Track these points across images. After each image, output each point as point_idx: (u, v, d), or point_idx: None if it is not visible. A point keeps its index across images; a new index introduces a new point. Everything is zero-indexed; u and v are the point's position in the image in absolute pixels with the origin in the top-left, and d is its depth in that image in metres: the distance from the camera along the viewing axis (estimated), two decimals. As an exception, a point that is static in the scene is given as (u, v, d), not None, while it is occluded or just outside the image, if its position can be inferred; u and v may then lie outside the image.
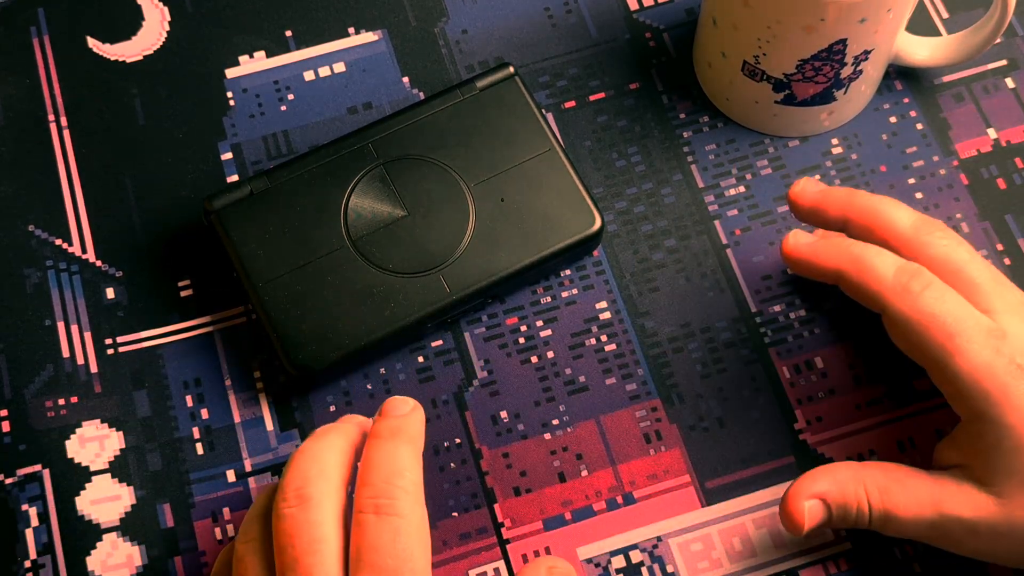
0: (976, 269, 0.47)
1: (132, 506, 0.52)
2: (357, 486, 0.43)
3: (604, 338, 0.55)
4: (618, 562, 0.51)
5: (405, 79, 0.61)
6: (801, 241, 0.50)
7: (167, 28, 0.62)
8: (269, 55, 0.61)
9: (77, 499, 0.52)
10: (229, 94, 0.60)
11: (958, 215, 0.57)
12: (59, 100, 0.60)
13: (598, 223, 0.55)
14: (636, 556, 0.51)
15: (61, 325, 0.55)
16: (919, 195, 0.58)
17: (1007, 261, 0.56)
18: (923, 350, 0.46)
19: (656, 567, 0.51)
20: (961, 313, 0.45)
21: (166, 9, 0.62)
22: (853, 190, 0.50)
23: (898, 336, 0.47)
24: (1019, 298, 0.47)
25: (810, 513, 0.47)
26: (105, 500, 0.52)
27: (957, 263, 0.47)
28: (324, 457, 0.44)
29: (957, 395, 0.46)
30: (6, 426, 0.53)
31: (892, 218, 0.49)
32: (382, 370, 0.55)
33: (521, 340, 0.55)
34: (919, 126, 0.59)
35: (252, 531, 0.44)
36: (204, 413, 0.54)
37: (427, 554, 0.42)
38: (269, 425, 0.54)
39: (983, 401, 0.45)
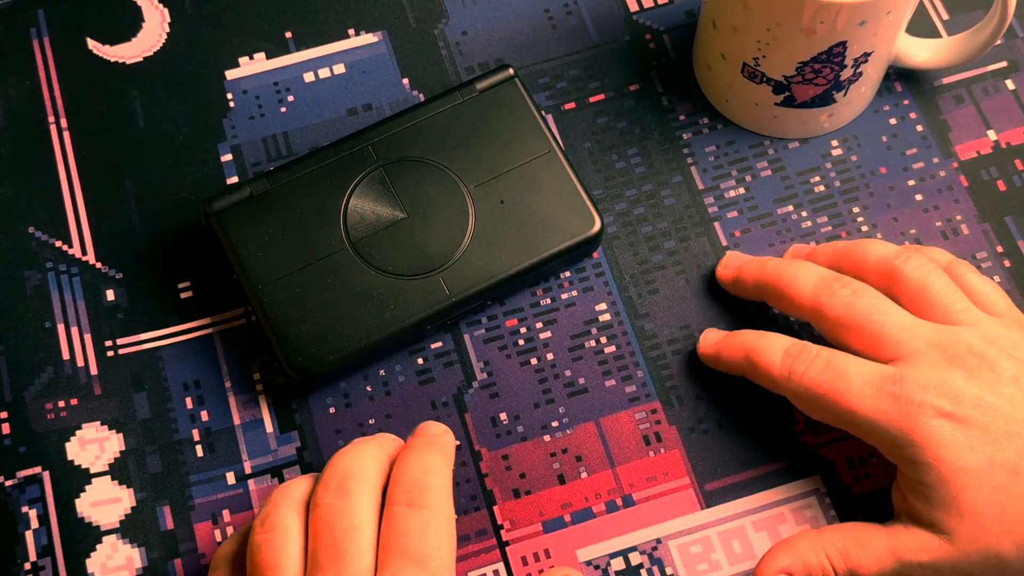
0: (876, 323, 0.48)
1: (132, 508, 0.52)
2: (390, 485, 0.46)
3: (604, 340, 0.55)
4: (617, 564, 0.51)
5: (405, 81, 0.61)
6: (710, 340, 0.53)
7: (167, 29, 0.62)
8: (269, 57, 0.61)
9: (77, 501, 0.52)
10: (229, 96, 0.60)
11: (958, 217, 0.57)
12: (59, 102, 0.60)
13: (598, 225, 0.55)
14: (635, 558, 0.51)
15: (61, 327, 0.55)
16: (919, 197, 0.58)
17: (1007, 263, 0.56)
18: (832, 417, 0.48)
19: (655, 569, 0.51)
20: (847, 372, 0.47)
21: (166, 11, 0.62)
22: (764, 259, 0.53)
23: (807, 411, 0.49)
24: (928, 334, 0.48)
25: None
26: (105, 502, 0.52)
27: (856, 321, 0.49)
28: (364, 459, 0.46)
29: (879, 445, 0.47)
30: (6, 428, 0.53)
31: (795, 283, 0.51)
32: (382, 372, 0.55)
33: (521, 342, 0.55)
34: (919, 128, 0.59)
35: (273, 520, 0.45)
36: (204, 415, 0.54)
37: (453, 548, 0.45)
38: (269, 427, 0.54)
39: (897, 445, 0.46)
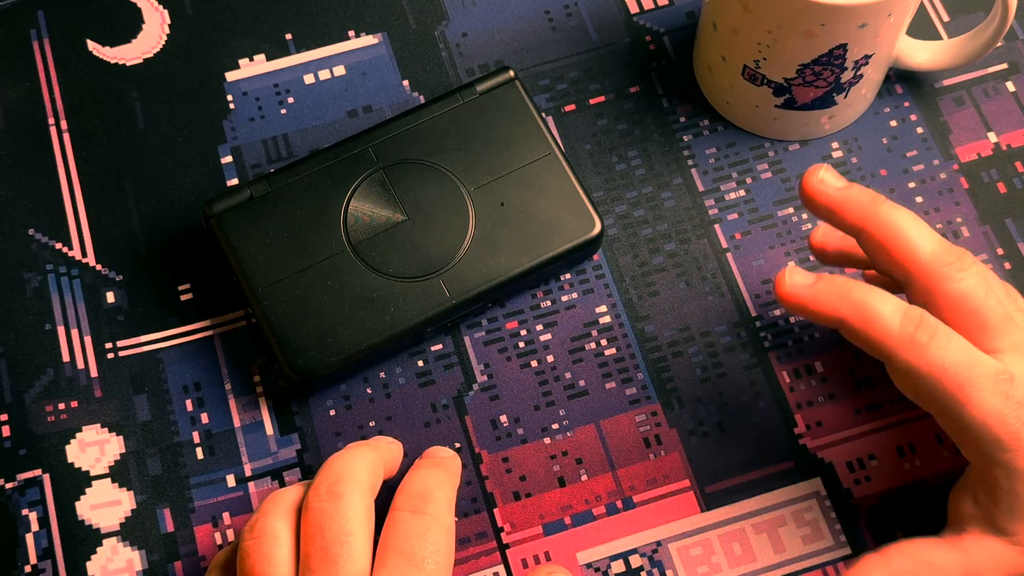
0: (989, 308, 0.45)
1: (132, 511, 0.52)
2: (396, 494, 0.46)
3: (604, 342, 0.55)
4: (618, 567, 0.51)
5: (405, 82, 0.60)
6: (799, 283, 0.45)
7: (167, 31, 0.62)
8: (269, 58, 0.61)
9: (77, 504, 0.52)
10: (229, 97, 0.60)
11: (958, 219, 0.57)
12: (59, 103, 0.60)
13: (598, 227, 0.54)
14: (636, 561, 0.51)
15: (61, 329, 0.55)
16: (919, 199, 0.58)
17: (1007, 265, 0.56)
18: (933, 400, 0.44)
19: (656, 572, 0.51)
20: (969, 361, 0.43)
21: (166, 12, 0.62)
22: (876, 197, 0.46)
23: (905, 386, 0.45)
24: None
25: None
26: (105, 505, 0.52)
27: (972, 303, 0.45)
28: (356, 463, 0.46)
29: (969, 443, 0.44)
30: (6, 430, 0.53)
31: (913, 244, 0.45)
32: (382, 374, 0.55)
33: (521, 344, 0.55)
34: (919, 130, 0.59)
35: (261, 527, 0.45)
36: (204, 417, 0.54)
37: (451, 559, 0.45)
38: (269, 429, 0.54)
39: (995, 448, 0.43)
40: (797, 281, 0.45)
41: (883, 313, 0.43)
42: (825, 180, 0.47)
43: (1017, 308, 0.46)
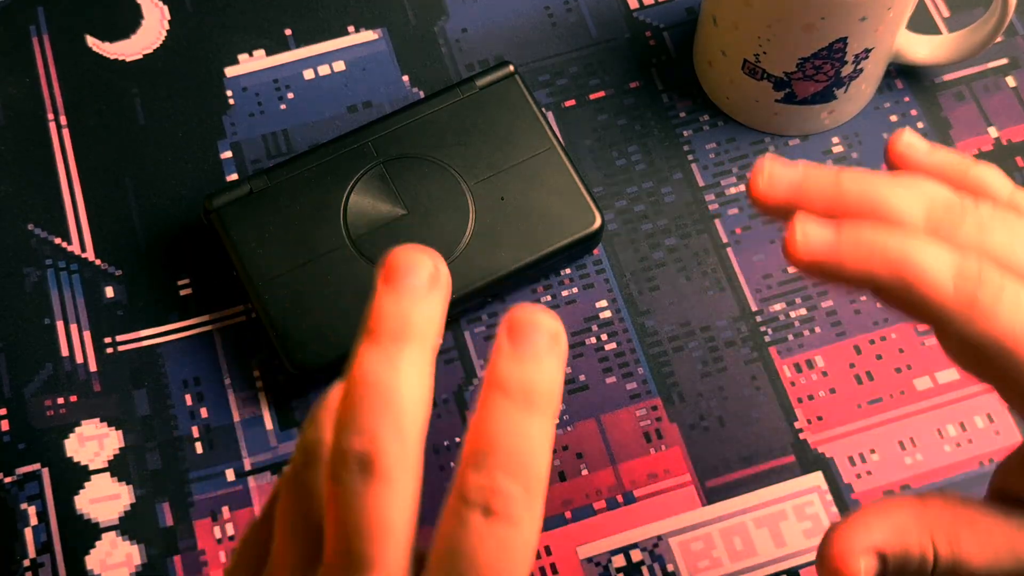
0: None
1: (131, 505, 0.52)
2: (464, 457, 0.31)
3: (604, 337, 0.55)
4: (618, 561, 0.51)
5: (405, 78, 0.60)
6: (815, 238, 0.35)
7: (167, 27, 0.62)
8: (269, 54, 0.61)
9: (76, 498, 0.52)
10: (229, 93, 0.60)
11: (959, 214, 0.57)
12: (59, 99, 0.60)
13: (598, 222, 0.54)
14: (636, 555, 0.51)
15: (60, 324, 0.55)
16: (920, 194, 0.58)
17: (1008, 260, 0.56)
18: (1000, 371, 0.36)
19: (656, 566, 0.51)
20: None
21: (166, 8, 0.62)
22: (838, 173, 0.36)
23: (964, 355, 0.37)
24: None
25: (867, 571, 0.37)
26: (104, 499, 0.52)
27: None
28: (402, 404, 0.31)
29: None
30: (5, 425, 0.53)
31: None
32: (382, 369, 0.54)
33: (521, 339, 0.55)
34: (920, 125, 0.59)
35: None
36: (203, 412, 0.54)
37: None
38: (268, 424, 0.54)
39: None
40: (812, 235, 0.35)
41: (932, 269, 0.34)
42: (772, 176, 0.37)
43: None
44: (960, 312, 0.34)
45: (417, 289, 0.32)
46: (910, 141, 0.38)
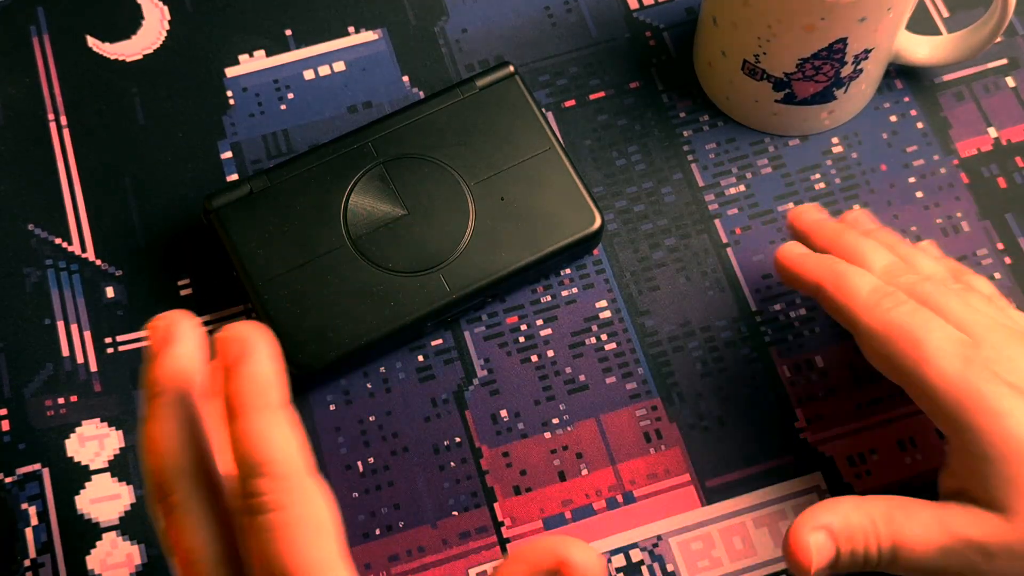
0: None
1: (132, 505, 0.52)
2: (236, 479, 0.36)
3: (604, 337, 0.55)
4: (618, 561, 0.51)
5: (405, 78, 0.61)
6: (793, 252, 0.50)
7: (167, 27, 0.62)
8: (269, 54, 0.61)
9: (77, 498, 0.52)
10: (229, 93, 0.60)
11: (958, 214, 0.57)
12: (59, 99, 0.60)
13: (598, 222, 0.54)
14: (636, 555, 0.51)
15: (61, 324, 0.55)
16: (919, 194, 0.58)
17: (1008, 260, 0.56)
18: (893, 363, 0.45)
19: (656, 566, 0.51)
20: (931, 324, 0.44)
21: (166, 8, 0.62)
22: (842, 228, 0.51)
23: (871, 353, 0.46)
24: (998, 321, 0.46)
25: (817, 548, 0.43)
26: (105, 499, 0.52)
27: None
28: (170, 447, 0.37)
29: (934, 410, 0.44)
30: (6, 425, 0.53)
31: (867, 261, 0.49)
32: (382, 369, 0.54)
33: (521, 339, 0.55)
34: (919, 125, 0.59)
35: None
36: (204, 412, 0.54)
37: (331, 543, 0.35)
38: (269, 424, 0.53)
39: (958, 411, 0.43)
40: (792, 252, 0.50)
41: (856, 283, 0.46)
42: (805, 211, 0.52)
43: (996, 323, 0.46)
44: (862, 310, 0.46)
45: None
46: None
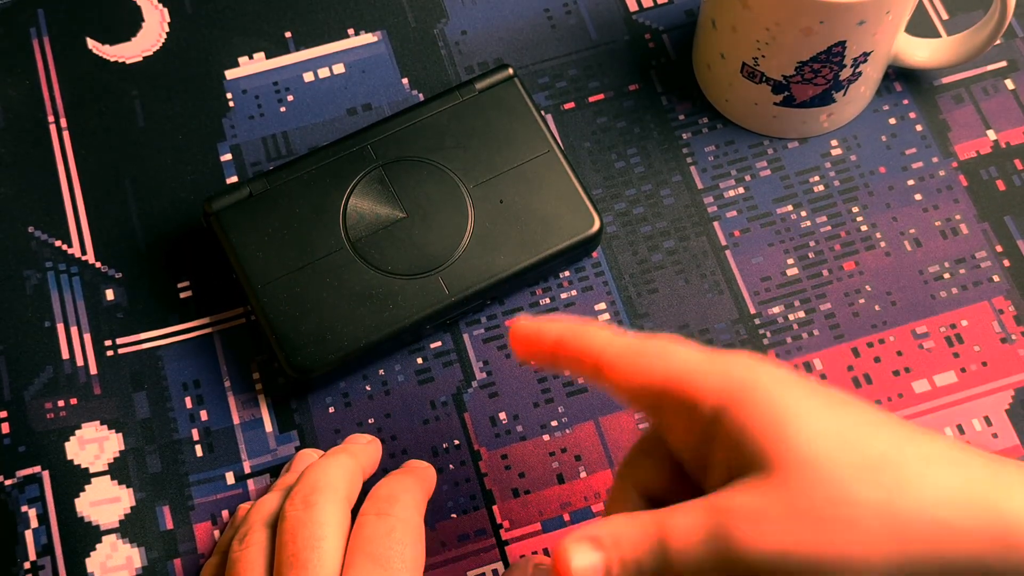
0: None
1: (132, 508, 0.52)
2: (364, 501, 0.46)
3: (603, 340, 0.55)
4: (617, 564, 0.51)
5: (404, 80, 0.61)
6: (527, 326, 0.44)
7: (167, 29, 0.62)
8: (268, 56, 0.61)
9: (77, 501, 0.52)
10: (228, 95, 0.60)
11: (957, 216, 0.57)
12: (59, 101, 0.60)
13: (597, 224, 0.55)
14: (635, 558, 0.51)
15: (61, 327, 0.55)
16: (918, 196, 0.58)
17: (1006, 263, 0.56)
18: (651, 407, 0.41)
19: (655, 569, 0.51)
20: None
21: (166, 10, 0.62)
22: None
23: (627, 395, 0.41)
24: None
25: (581, 558, 0.38)
26: (105, 502, 0.52)
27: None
28: (332, 472, 0.46)
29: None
30: (6, 428, 0.53)
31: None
32: (381, 371, 0.55)
33: (520, 342, 0.55)
34: (918, 127, 0.59)
35: (250, 538, 0.46)
36: (203, 415, 0.54)
37: (420, 558, 0.45)
38: (268, 427, 0.54)
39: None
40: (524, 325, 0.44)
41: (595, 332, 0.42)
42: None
43: None
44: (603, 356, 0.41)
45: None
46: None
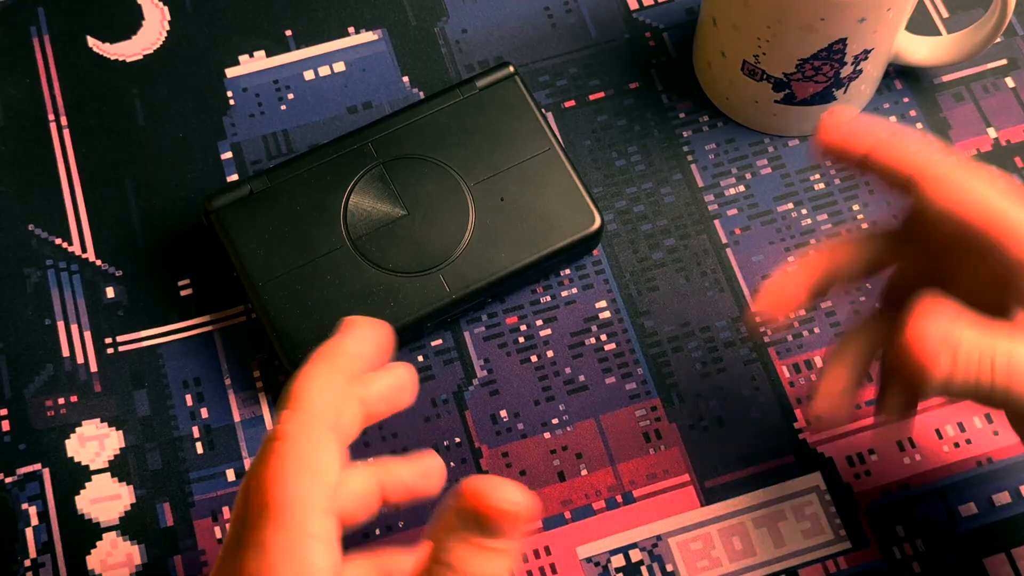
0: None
1: (132, 505, 0.52)
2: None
3: (604, 337, 0.55)
4: (617, 561, 0.51)
5: (405, 78, 0.61)
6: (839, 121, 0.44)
7: (167, 27, 0.62)
8: (269, 54, 0.61)
9: (77, 498, 0.52)
10: (229, 93, 0.60)
11: (958, 214, 0.57)
12: (59, 100, 0.60)
13: (597, 222, 0.55)
14: (636, 555, 0.51)
15: (61, 324, 0.55)
16: (919, 194, 0.58)
17: (1007, 260, 0.56)
18: (965, 242, 0.42)
19: (655, 566, 0.51)
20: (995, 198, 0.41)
21: (166, 8, 0.62)
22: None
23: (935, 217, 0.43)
24: None
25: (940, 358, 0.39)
26: (105, 499, 0.52)
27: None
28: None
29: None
30: (6, 425, 0.53)
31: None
32: (382, 369, 0.55)
33: (521, 339, 0.55)
34: (919, 125, 0.59)
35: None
36: (204, 412, 0.54)
37: (319, 488, 0.36)
38: (269, 424, 0.54)
39: None
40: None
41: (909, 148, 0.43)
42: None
43: None
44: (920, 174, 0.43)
45: None
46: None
